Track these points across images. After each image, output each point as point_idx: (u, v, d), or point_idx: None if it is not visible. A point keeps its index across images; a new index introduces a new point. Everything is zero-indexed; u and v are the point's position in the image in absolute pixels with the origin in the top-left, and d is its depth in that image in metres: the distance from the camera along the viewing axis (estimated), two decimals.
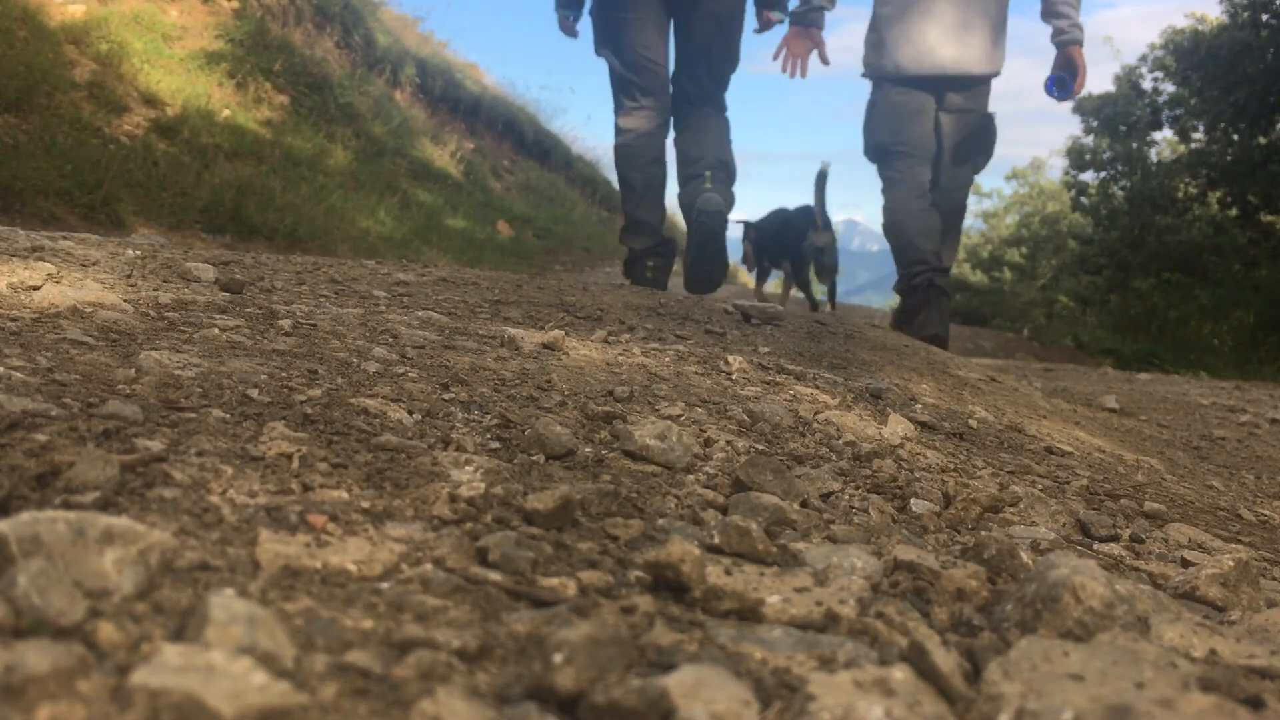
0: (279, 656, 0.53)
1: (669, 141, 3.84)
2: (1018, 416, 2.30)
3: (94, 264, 1.91)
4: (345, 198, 8.52)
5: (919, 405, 2.00)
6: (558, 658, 0.55)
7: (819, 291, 4.85)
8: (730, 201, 3.68)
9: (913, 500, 1.20)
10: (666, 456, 1.15)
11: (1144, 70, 13.88)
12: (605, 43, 3.66)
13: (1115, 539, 1.24)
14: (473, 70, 14.78)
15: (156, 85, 7.73)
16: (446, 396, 1.31)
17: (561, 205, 14.15)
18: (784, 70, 3.81)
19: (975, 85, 3.90)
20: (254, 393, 1.11)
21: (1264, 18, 11.67)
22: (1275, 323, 9.96)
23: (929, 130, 3.95)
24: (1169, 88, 13.58)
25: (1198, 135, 13.36)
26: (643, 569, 0.77)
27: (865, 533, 1.01)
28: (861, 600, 0.78)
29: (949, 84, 3.88)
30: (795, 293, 5.09)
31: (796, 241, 4.47)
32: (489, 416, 1.23)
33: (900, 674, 0.60)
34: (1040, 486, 1.47)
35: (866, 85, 4.17)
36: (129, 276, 1.85)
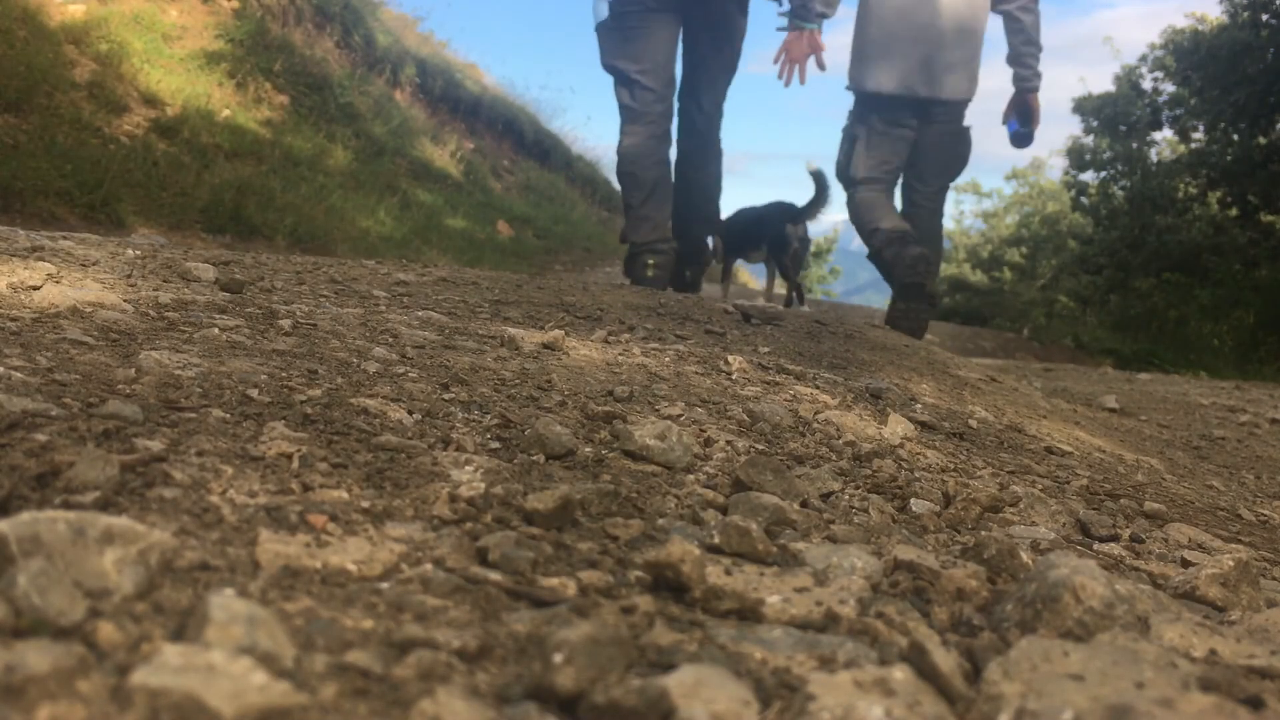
0: (279, 656, 0.53)
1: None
2: (1018, 416, 2.30)
3: (94, 264, 1.91)
4: (345, 198, 8.52)
5: (919, 405, 2.00)
6: (558, 658, 0.55)
7: (781, 286, 4.94)
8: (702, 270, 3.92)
9: (913, 500, 1.20)
10: (666, 456, 1.15)
11: (1144, 70, 13.88)
12: (613, 57, 3.75)
13: (1115, 539, 1.24)
14: (473, 70, 14.78)
15: (156, 85, 7.73)
16: (446, 396, 1.31)
17: (561, 205, 14.14)
18: (780, 76, 3.92)
19: (956, 107, 4.08)
20: (254, 393, 1.11)
21: (1264, 18, 11.67)
22: (1275, 323, 9.96)
23: (904, 156, 4.15)
24: (1169, 88, 13.58)
25: (1198, 135, 13.36)
26: (643, 569, 0.77)
27: (865, 533, 1.01)
28: (861, 600, 0.78)
29: (928, 106, 4.04)
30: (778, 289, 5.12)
31: (777, 231, 4.53)
32: (489, 416, 1.23)
33: (900, 674, 0.60)
34: (1040, 486, 1.47)
35: None
36: (129, 276, 1.85)
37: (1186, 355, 9.73)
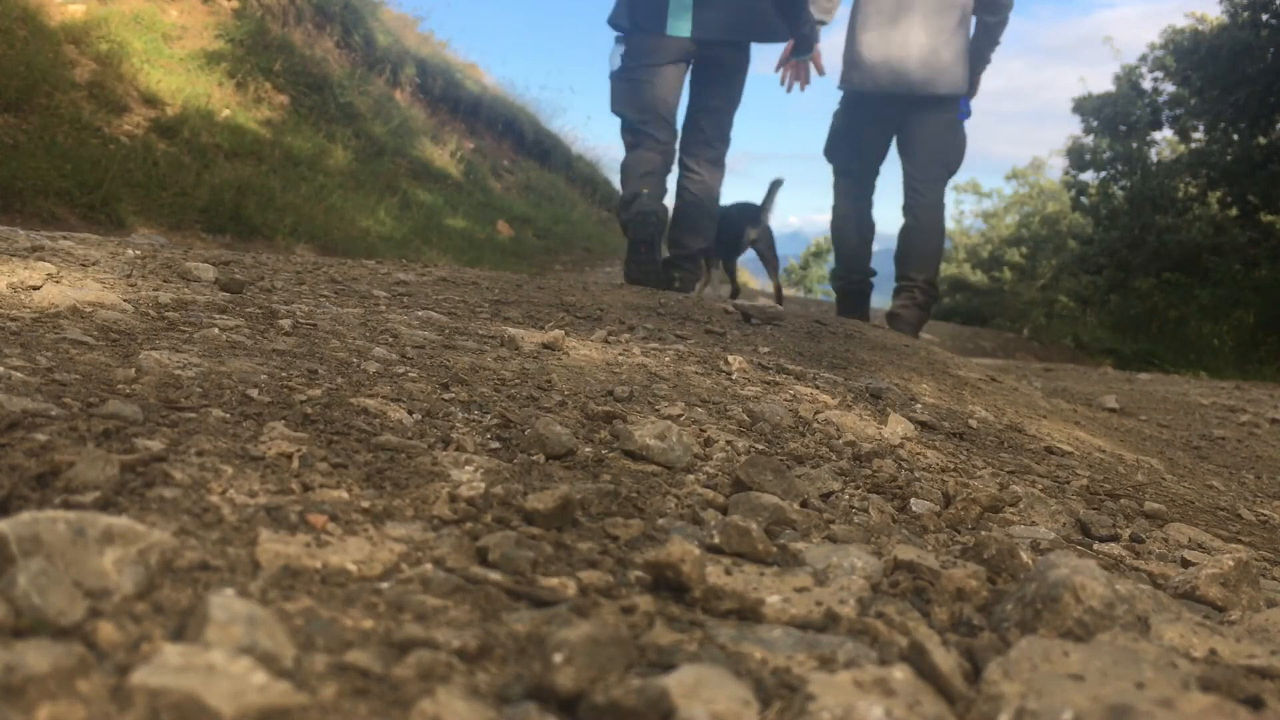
0: (279, 656, 0.53)
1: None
2: (1018, 416, 2.30)
3: (94, 264, 1.91)
4: (345, 198, 8.52)
5: (919, 405, 2.00)
6: (558, 658, 0.55)
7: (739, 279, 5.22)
8: (696, 277, 4.19)
9: (913, 500, 1.20)
10: (666, 456, 1.15)
11: (1144, 70, 13.88)
12: (621, 105, 4.03)
13: (1115, 539, 1.24)
14: (473, 70, 14.77)
15: (156, 85, 7.73)
16: (446, 396, 1.31)
17: (561, 205, 14.14)
18: (782, 83, 4.24)
19: (943, 102, 4.23)
20: (254, 392, 1.11)
21: (1264, 17, 11.67)
22: (1275, 323, 9.96)
23: (886, 149, 4.37)
24: (1169, 87, 13.58)
25: (1198, 135, 13.36)
26: (643, 569, 0.77)
27: (865, 533, 1.01)
28: (861, 600, 0.78)
29: (919, 102, 4.19)
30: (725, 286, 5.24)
31: (734, 234, 4.73)
32: (489, 416, 1.23)
33: (900, 674, 0.60)
34: (1040, 486, 1.47)
35: None
36: (129, 276, 1.85)
37: (1186, 355, 9.74)
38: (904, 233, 4.35)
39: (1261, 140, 12.10)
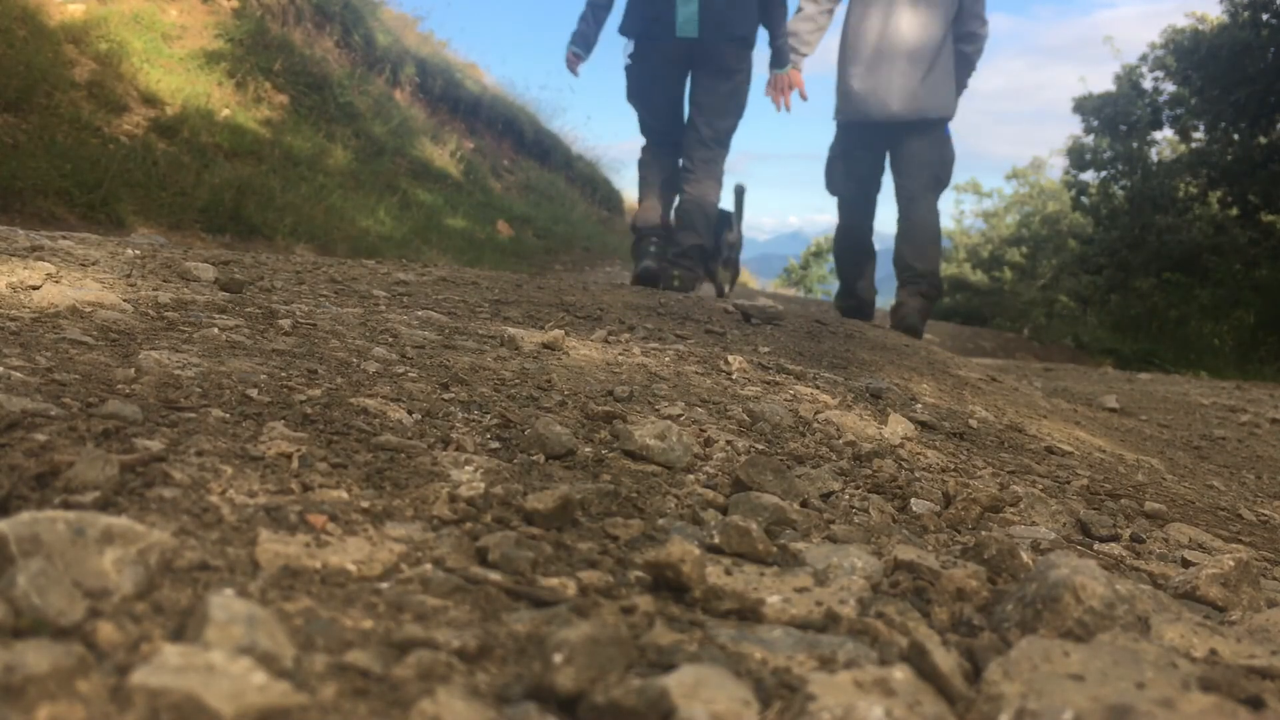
0: (279, 656, 0.53)
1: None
2: (1018, 416, 2.30)
3: (93, 264, 1.91)
4: (345, 197, 8.52)
5: (919, 405, 2.00)
6: (558, 658, 0.55)
7: (724, 279, 5.47)
8: (697, 278, 4.48)
9: (913, 500, 1.20)
10: (666, 456, 1.15)
11: (1144, 70, 13.87)
12: (630, 96, 4.48)
13: (1116, 539, 1.24)
14: (473, 70, 14.77)
15: (156, 85, 7.73)
16: (446, 396, 1.31)
17: (561, 205, 14.14)
18: (775, 103, 4.65)
19: (931, 126, 4.46)
20: (254, 392, 1.11)
21: (1264, 17, 11.67)
22: (1275, 323, 9.96)
23: (880, 175, 4.62)
24: (1169, 87, 13.58)
25: (1198, 135, 13.36)
26: (643, 569, 0.77)
27: (865, 533, 1.01)
28: (862, 600, 0.78)
29: (907, 127, 4.44)
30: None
31: (715, 239, 4.98)
32: (489, 416, 1.23)
33: (900, 674, 0.60)
34: (1040, 486, 1.47)
35: None
36: (128, 276, 1.85)
37: (1187, 355, 9.74)
38: (901, 235, 4.53)
39: (1262, 140, 12.10)
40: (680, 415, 1.43)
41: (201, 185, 6.82)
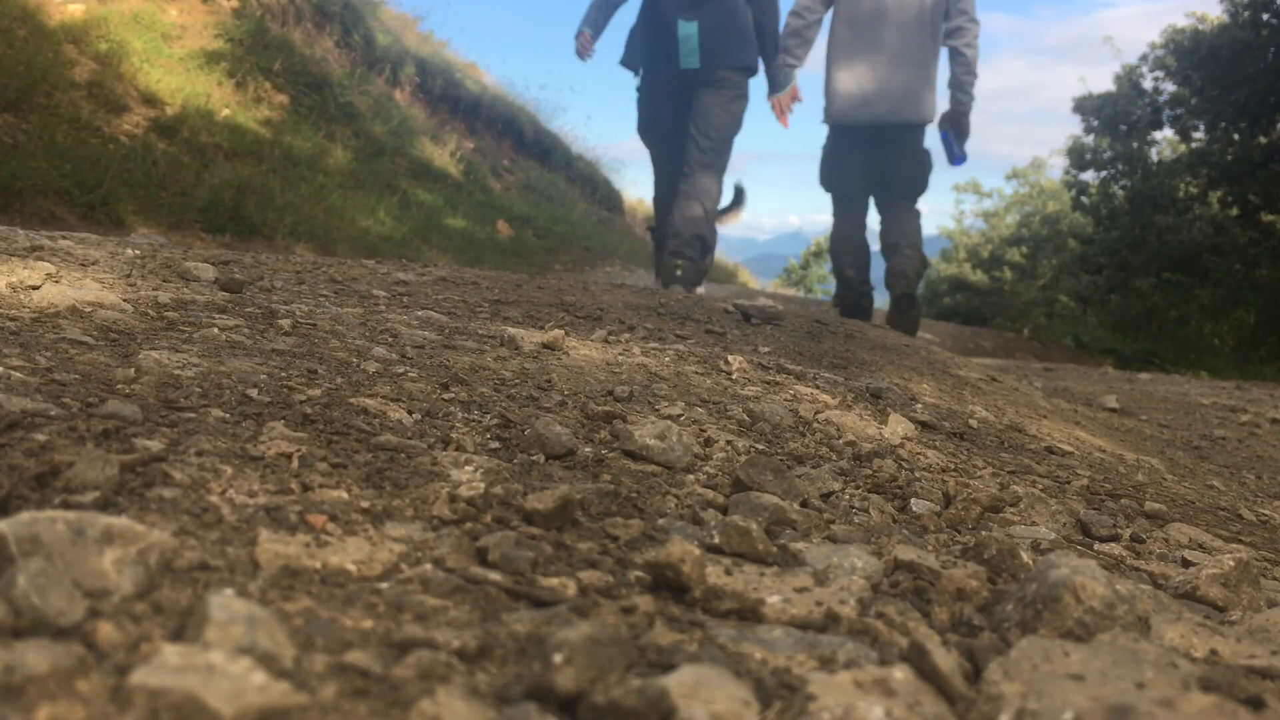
0: (279, 656, 0.53)
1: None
2: (1018, 416, 2.30)
3: (93, 263, 1.91)
4: (345, 197, 8.52)
5: (919, 405, 2.00)
6: (558, 658, 0.55)
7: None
8: (700, 272, 4.77)
9: (913, 500, 1.20)
10: (666, 456, 1.15)
11: (1144, 70, 13.86)
12: (638, 128, 4.87)
13: (1116, 539, 1.24)
14: (473, 70, 14.76)
15: (156, 85, 7.73)
16: (446, 396, 1.31)
17: (561, 205, 14.13)
18: (778, 119, 5.00)
19: (913, 130, 4.71)
20: (253, 392, 1.11)
21: (1265, 17, 11.67)
22: (1275, 322, 9.97)
23: (871, 172, 4.81)
24: (1169, 87, 13.57)
25: (1198, 135, 13.35)
26: (643, 569, 0.77)
27: (865, 533, 1.01)
28: (862, 600, 0.78)
29: (891, 131, 4.68)
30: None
31: None
32: (489, 416, 1.23)
33: (900, 674, 0.60)
34: (1041, 486, 1.47)
35: None
36: (128, 276, 1.85)
37: (1187, 355, 9.74)
38: (883, 234, 4.87)
39: (1262, 140, 12.10)
40: (680, 415, 1.43)
41: (201, 185, 6.82)
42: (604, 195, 16.55)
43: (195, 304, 1.68)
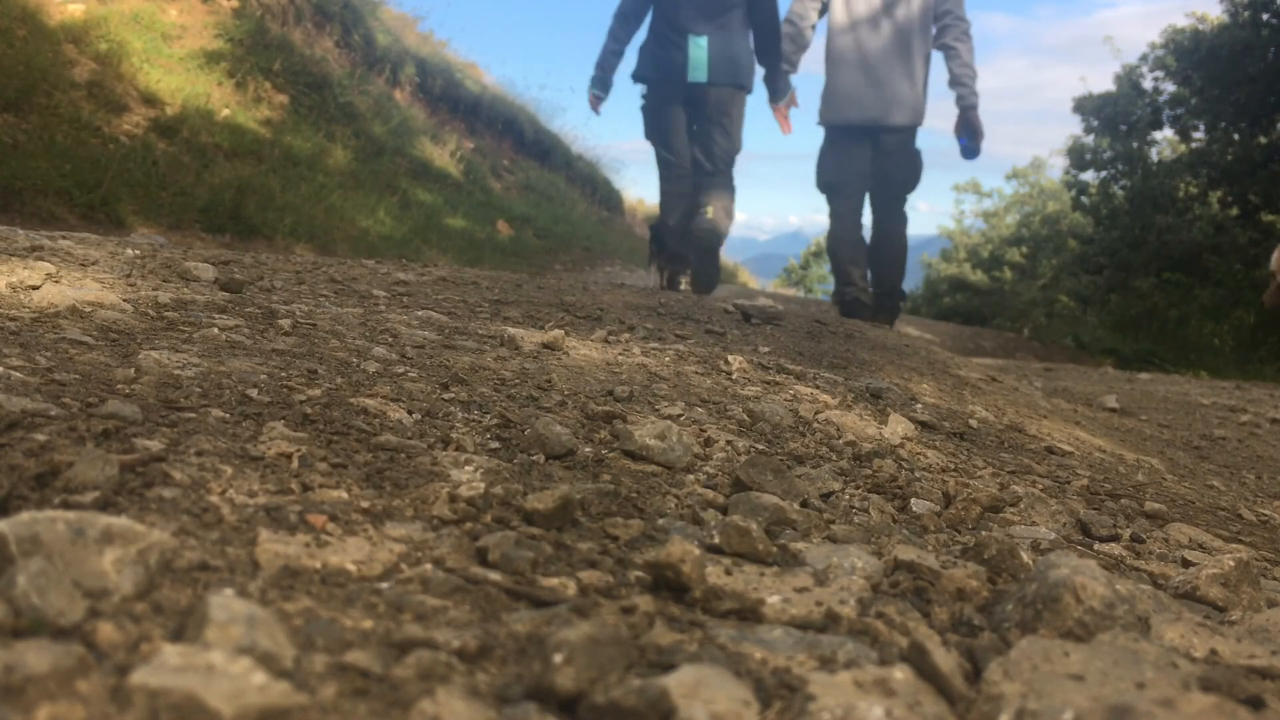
0: (279, 656, 0.53)
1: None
2: (1018, 416, 2.30)
3: (93, 264, 1.91)
4: (345, 197, 8.51)
5: (919, 405, 2.00)
6: (558, 658, 0.55)
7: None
8: (723, 228, 5.08)
9: (913, 500, 1.20)
10: (666, 456, 1.15)
11: (1144, 70, 13.86)
12: (648, 133, 5.12)
13: (1116, 539, 1.24)
14: (473, 69, 14.76)
15: (156, 85, 7.73)
16: (446, 396, 1.31)
17: (561, 205, 14.13)
18: (780, 126, 5.33)
19: (903, 132, 4.89)
20: (253, 392, 1.11)
21: (1265, 17, 11.66)
22: (1275, 323, 9.96)
23: (865, 171, 5.01)
24: (1169, 87, 13.56)
25: (1198, 135, 13.34)
26: (643, 569, 0.77)
27: (865, 533, 1.01)
28: (862, 600, 0.78)
29: (882, 132, 4.88)
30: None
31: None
32: (489, 416, 1.23)
33: (900, 674, 0.60)
34: (1041, 486, 1.47)
35: None
36: (128, 276, 1.85)
37: (1187, 355, 9.74)
38: (873, 246, 5.08)
39: (1262, 140, 12.09)
40: (680, 415, 1.43)
41: (201, 185, 6.82)
42: (604, 195, 16.55)
43: (195, 304, 1.68)
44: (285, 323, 1.63)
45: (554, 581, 0.74)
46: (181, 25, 8.90)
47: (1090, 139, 14.70)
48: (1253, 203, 12.24)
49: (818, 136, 5.30)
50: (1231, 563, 0.99)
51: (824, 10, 4.97)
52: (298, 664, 0.54)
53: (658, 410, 1.44)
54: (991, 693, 0.59)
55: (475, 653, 0.59)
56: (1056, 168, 19.31)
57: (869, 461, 1.37)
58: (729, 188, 5.15)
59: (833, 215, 5.13)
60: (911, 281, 24.01)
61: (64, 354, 1.16)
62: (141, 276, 1.87)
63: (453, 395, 1.32)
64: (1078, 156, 14.82)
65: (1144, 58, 13.83)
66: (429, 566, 0.73)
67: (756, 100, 5.19)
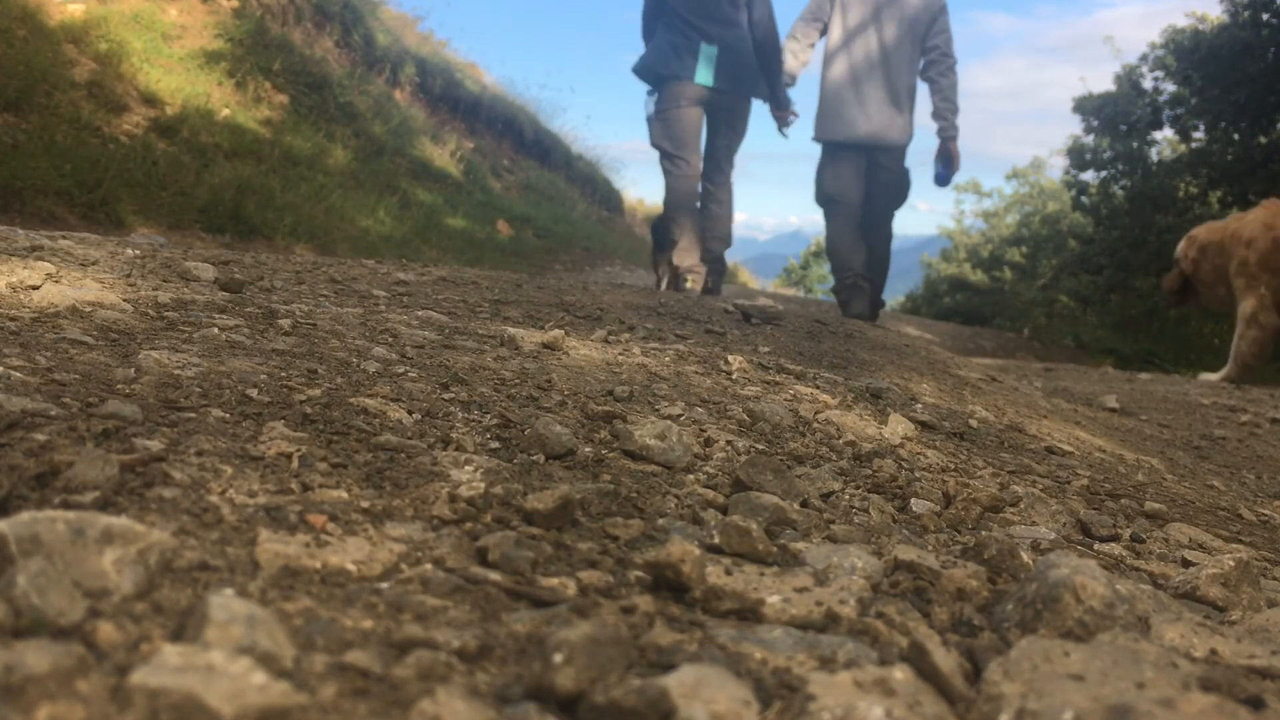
0: (279, 656, 0.53)
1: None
2: (1018, 416, 2.30)
3: (93, 263, 1.91)
4: (345, 197, 8.52)
5: (919, 405, 2.00)
6: (558, 658, 0.55)
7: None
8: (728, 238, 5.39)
9: (913, 500, 1.20)
10: (666, 456, 1.15)
11: (1144, 69, 13.85)
12: (658, 139, 5.21)
13: (1116, 539, 1.24)
14: (472, 69, 14.77)
15: (156, 84, 7.73)
16: (446, 396, 1.31)
17: (561, 205, 14.14)
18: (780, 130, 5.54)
19: (892, 151, 5.26)
20: (253, 392, 1.11)
21: (1265, 17, 11.66)
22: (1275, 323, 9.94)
23: (861, 183, 5.34)
24: (1170, 87, 13.55)
25: (1198, 134, 13.34)
26: (643, 569, 0.77)
27: (865, 532, 1.01)
28: (862, 600, 0.78)
29: (872, 150, 5.24)
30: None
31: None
32: (489, 416, 1.23)
33: (900, 674, 0.60)
34: (1041, 486, 1.47)
35: None
36: (128, 276, 1.85)
37: (1187, 355, 9.74)
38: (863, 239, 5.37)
39: (1262, 139, 12.09)
40: (680, 415, 1.43)
41: (201, 185, 6.82)
42: (604, 195, 16.56)
43: (195, 304, 1.68)
44: (285, 323, 1.63)
45: (554, 581, 0.74)
46: (181, 25, 8.91)
47: (1090, 139, 14.70)
48: (1253, 202, 12.19)
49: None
50: (1231, 563, 0.99)
51: (824, 32, 5.29)
52: (298, 664, 0.54)
53: (658, 410, 1.44)
54: (991, 693, 0.59)
55: (475, 653, 0.59)
56: (1056, 168, 19.33)
57: (869, 461, 1.37)
58: (729, 188, 5.35)
59: (830, 225, 5.45)
60: (911, 281, 24.05)
61: (64, 354, 1.16)
62: (141, 276, 1.87)
63: (453, 395, 1.32)
64: (1078, 156, 14.81)
65: (1144, 58, 13.83)
66: (429, 566, 0.73)
67: (757, 102, 5.36)
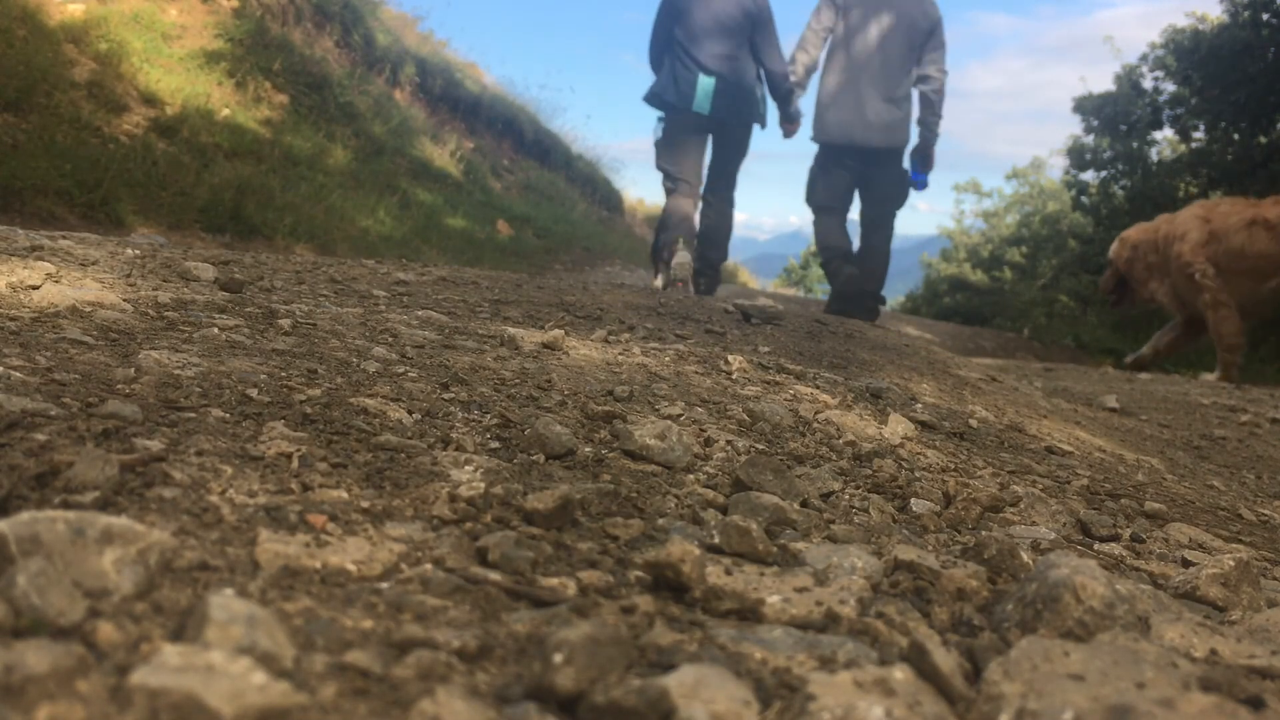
0: (279, 656, 0.53)
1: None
2: (1018, 416, 2.30)
3: (93, 263, 1.91)
4: (345, 197, 8.52)
5: (919, 405, 2.00)
6: (558, 658, 0.55)
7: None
8: (716, 276, 5.73)
9: (913, 500, 1.20)
10: (666, 456, 1.15)
11: (1144, 69, 13.85)
12: (663, 162, 5.54)
13: (1116, 539, 1.24)
14: (472, 69, 14.76)
15: (156, 84, 7.73)
16: (446, 396, 1.31)
17: (561, 205, 14.13)
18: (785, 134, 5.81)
19: (890, 154, 5.43)
20: (253, 392, 1.11)
21: (1265, 17, 11.66)
22: (1275, 323, 9.96)
23: (851, 190, 5.56)
24: (1169, 87, 13.55)
25: (1198, 134, 13.34)
26: (643, 569, 0.77)
27: (865, 532, 1.01)
28: (862, 600, 0.78)
29: (870, 153, 5.39)
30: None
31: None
32: (489, 416, 1.23)
33: (900, 674, 0.60)
34: (1041, 486, 1.46)
35: None
36: (128, 276, 1.85)
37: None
38: (862, 240, 5.59)
39: (1262, 139, 12.09)
40: (680, 415, 1.43)
41: (201, 185, 6.82)
42: (604, 195, 16.56)
43: (195, 304, 1.68)
44: (285, 323, 1.63)
45: (554, 581, 0.74)
46: (181, 25, 8.91)
47: (1090, 139, 14.70)
48: None
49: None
50: (1231, 563, 0.99)
51: (828, 39, 5.51)
52: (298, 664, 0.54)
53: (658, 410, 1.44)
54: (991, 693, 0.59)
55: (475, 653, 0.59)
56: (1056, 168, 19.31)
57: (869, 461, 1.37)
58: (728, 203, 5.67)
59: (819, 228, 5.67)
60: (911, 281, 24.03)
61: (64, 354, 1.16)
62: (141, 276, 1.87)
63: (453, 395, 1.32)
64: (1078, 156, 14.81)
65: (1144, 58, 13.83)
66: (429, 566, 0.73)
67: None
